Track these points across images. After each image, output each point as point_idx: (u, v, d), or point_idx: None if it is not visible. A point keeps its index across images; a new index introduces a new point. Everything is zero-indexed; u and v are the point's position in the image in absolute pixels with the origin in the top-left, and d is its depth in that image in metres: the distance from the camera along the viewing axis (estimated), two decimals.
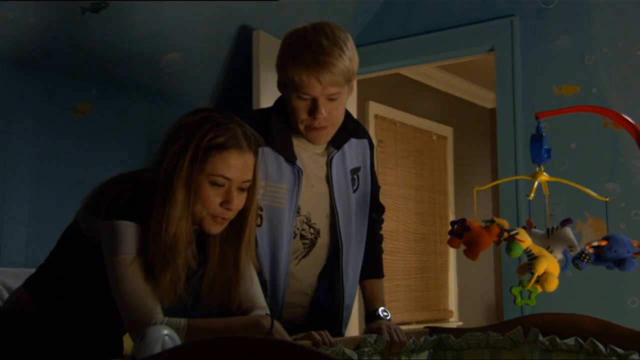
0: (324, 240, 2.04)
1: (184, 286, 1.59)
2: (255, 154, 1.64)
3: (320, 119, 1.87)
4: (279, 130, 1.95)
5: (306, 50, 1.82)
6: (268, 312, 1.72)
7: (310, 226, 2.02)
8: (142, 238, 1.54)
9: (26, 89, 2.84)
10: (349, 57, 1.86)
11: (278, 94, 2.05)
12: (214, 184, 1.57)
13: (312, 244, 2.03)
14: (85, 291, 1.67)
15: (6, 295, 2.35)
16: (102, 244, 1.56)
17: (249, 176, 1.62)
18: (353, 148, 2.08)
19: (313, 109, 1.86)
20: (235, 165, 1.58)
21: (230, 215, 1.62)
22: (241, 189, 1.61)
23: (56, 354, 1.66)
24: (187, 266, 1.59)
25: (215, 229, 1.62)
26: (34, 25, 2.68)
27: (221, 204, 1.58)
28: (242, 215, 1.65)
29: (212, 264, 1.67)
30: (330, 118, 1.89)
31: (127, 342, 1.80)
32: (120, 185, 1.61)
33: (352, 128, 2.06)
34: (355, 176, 2.08)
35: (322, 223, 2.03)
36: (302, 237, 2.01)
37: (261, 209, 1.91)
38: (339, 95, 1.87)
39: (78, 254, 1.67)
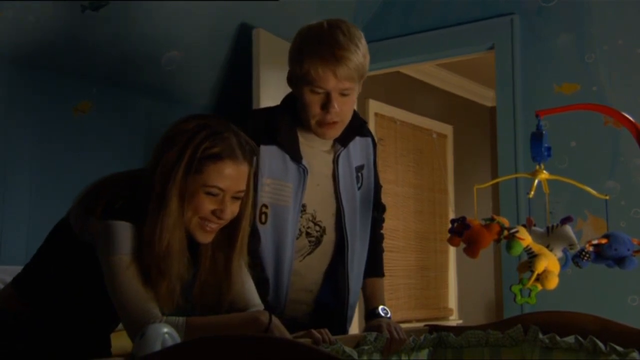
0: (329, 237, 2.05)
1: (180, 294, 1.58)
2: (250, 163, 1.64)
3: (333, 113, 1.89)
4: (286, 128, 1.96)
5: (323, 44, 1.85)
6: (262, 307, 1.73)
7: (315, 224, 2.02)
8: (139, 239, 1.54)
9: (26, 87, 2.84)
10: (363, 53, 1.90)
11: (278, 92, 2.06)
12: (208, 193, 1.57)
13: (318, 241, 2.03)
14: (74, 289, 1.67)
15: None
16: (98, 244, 1.56)
17: (243, 186, 1.62)
18: (357, 146, 2.10)
19: (326, 103, 1.88)
20: (230, 175, 1.58)
21: (222, 223, 1.61)
22: (235, 198, 1.61)
23: (43, 352, 1.66)
24: (182, 276, 1.58)
25: (205, 238, 1.62)
26: (33, 23, 2.68)
27: (213, 212, 1.58)
28: (235, 221, 1.65)
29: (203, 269, 1.67)
30: (341, 113, 1.92)
31: (115, 341, 1.80)
32: (115, 186, 1.60)
33: (357, 126, 2.08)
34: (359, 174, 2.10)
35: (328, 221, 2.04)
36: (308, 234, 2.01)
37: (266, 207, 1.92)
38: (350, 91, 1.90)
39: (67, 253, 1.66)
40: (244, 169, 1.61)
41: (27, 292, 1.70)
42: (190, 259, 1.61)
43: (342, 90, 1.88)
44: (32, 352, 1.65)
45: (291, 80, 1.96)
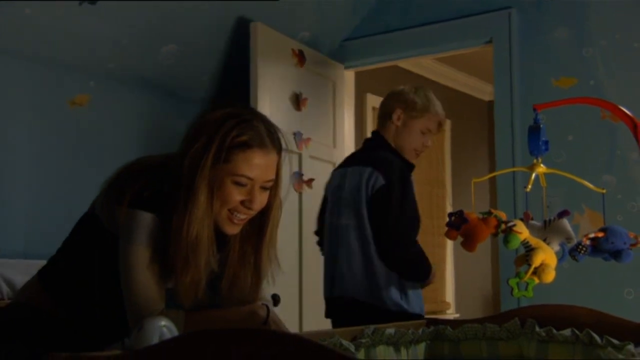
0: None
1: (204, 286, 1.56)
2: (279, 152, 1.60)
3: None
4: None
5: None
6: (270, 301, 1.72)
7: None
8: (160, 232, 1.52)
9: (23, 80, 2.84)
10: None
11: (275, 85, 2.08)
12: (237, 183, 1.54)
13: None
14: (102, 282, 1.64)
15: (4, 287, 2.35)
16: (121, 231, 1.54)
17: (272, 175, 1.59)
18: None
19: None
20: (259, 164, 1.54)
21: (251, 213, 1.58)
22: (264, 188, 1.58)
23: (69, 345, 1.64)
24: (209, 267, 1.56)
25: (232, 229, 1.59)
26: (31, 16, 2.67)
27: (242, 202, 1.55)
28: (264, 212, 1.62)
29: (231, 262, 1.64)
30: None
31: None
32: (144, 174, 1.57)
33: None
34: None
35: None
36: None
37: None
38: None
39: (94, 244, 1.64)
40: (273, 157, 1.58)
41: (54, 285, 1.68)
42: (216, 254, 1.59)
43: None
44: (58, 346, 1.62)
45: None
